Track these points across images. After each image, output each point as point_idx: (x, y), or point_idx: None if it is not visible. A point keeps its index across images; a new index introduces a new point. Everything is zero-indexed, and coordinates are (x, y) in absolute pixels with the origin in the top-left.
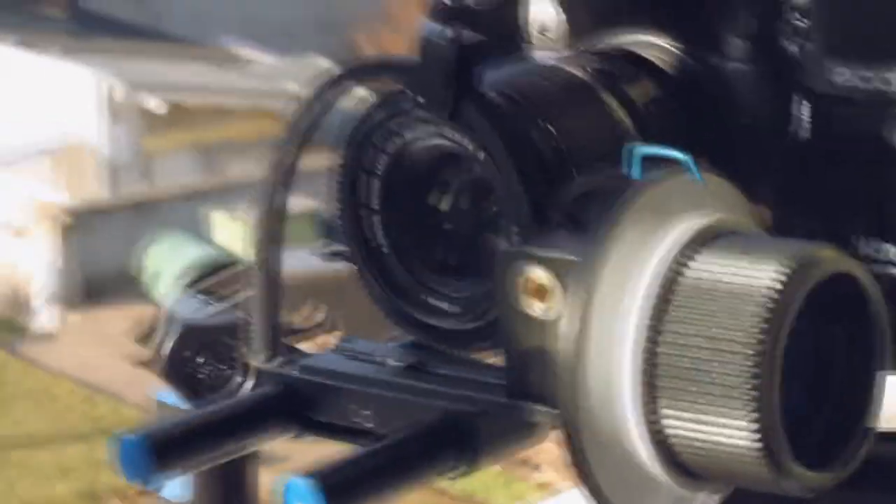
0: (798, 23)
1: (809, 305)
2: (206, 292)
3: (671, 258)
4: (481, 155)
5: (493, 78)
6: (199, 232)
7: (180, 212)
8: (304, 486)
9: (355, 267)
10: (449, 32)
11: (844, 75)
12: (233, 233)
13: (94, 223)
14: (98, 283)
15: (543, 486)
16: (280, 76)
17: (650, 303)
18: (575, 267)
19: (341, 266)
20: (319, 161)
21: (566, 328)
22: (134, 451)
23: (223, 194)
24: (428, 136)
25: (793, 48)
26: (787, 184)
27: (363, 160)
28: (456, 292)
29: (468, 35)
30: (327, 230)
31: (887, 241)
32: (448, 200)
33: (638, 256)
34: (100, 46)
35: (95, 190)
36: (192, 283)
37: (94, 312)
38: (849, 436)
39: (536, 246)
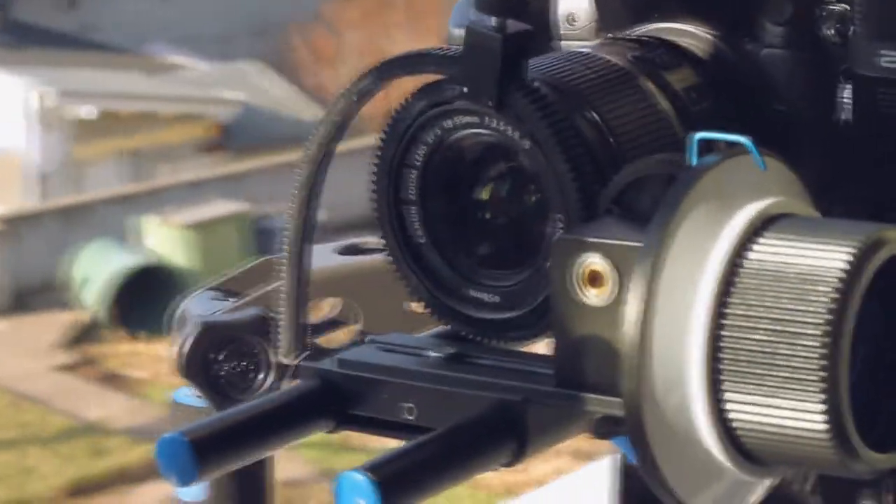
0: (836, 7)
1: (874, 287)
2: (219, 289)
3: (734, 242)
4: (527, 144)
5: (537, 67)
6: (128, 238)
7: (110, 218)
8: (358, 480)
9: (391, 260)
10: (495, 21)
11: (892, 58)
12: (163, 238)
13: (22, 231)
14: (26, 290)
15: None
16: (212, 82)
17: (715, 287)
18: (636, 253)
19: (361, 260)
20: (252, 164)
21: (629, 315)
22: (176, 451)
23: (153, 200)
24: (469, 127)
25: (832, 33)
26: (830, 169)
27: (400, 151)
28: (496, 282)
29: (514, 24)
30: (259, 232)
31: None
32: (488, 191)
33: (701, 241)
34: (31, 56)
35: (25, 198)
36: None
37: (21, 320)
38: None
39: (591, 233)
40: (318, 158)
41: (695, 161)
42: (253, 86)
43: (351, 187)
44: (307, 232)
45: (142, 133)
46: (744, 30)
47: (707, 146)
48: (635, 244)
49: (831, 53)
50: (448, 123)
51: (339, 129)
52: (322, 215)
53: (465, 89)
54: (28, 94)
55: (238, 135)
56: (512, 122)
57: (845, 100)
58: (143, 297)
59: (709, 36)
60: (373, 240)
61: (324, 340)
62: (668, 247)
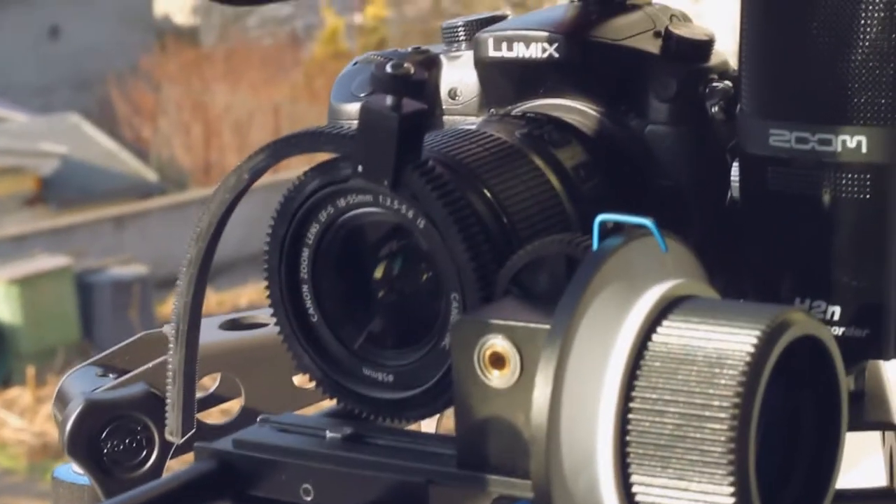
0: (720, 84)
1: (779, 367)
2: (101, 364)
3: (640, 325)
4: (422, 223)
5: (428, 145)
6: None
7: None
8: None
9: (283, 338)
10: (391, 101)
11: (782, 136)
12: None
13: None
14: None
15: None
16: (34, 134)
17: (622, 370)
18: (541, 335)
19: (243, 335)
20: (74, 218)
21: (538, 397)
22: None
23: None
24: (363, 206)
25: (717, 110)
26: (718, 245)
27: (293, 229)
28: (390, 361)
29: (410, 103)
30: (83, 287)
31: (824, 300)
32: (381, 269)
33: (607, 324)
34: None
35: None
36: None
37: None
38: (819, 497)
39: (493, 315)
40: (208, 235)
41: (597, 244)
42: (73, 138)
43: (177, 242)
44: (196, 309)
45: None
46: (629, 106)
47: (608, 227)
48: (541, 326)
49: (717, 130)
50: (342, 202)
51: (230, 206)
52: (144, 269)
53: (361, 168)
54: None
55: (59, 188)
56: (407, 201)
57: (733, 177)
58: None
59: (595, 112)
60: (255, 314)
61: (203, 416)
62: (575, 329)
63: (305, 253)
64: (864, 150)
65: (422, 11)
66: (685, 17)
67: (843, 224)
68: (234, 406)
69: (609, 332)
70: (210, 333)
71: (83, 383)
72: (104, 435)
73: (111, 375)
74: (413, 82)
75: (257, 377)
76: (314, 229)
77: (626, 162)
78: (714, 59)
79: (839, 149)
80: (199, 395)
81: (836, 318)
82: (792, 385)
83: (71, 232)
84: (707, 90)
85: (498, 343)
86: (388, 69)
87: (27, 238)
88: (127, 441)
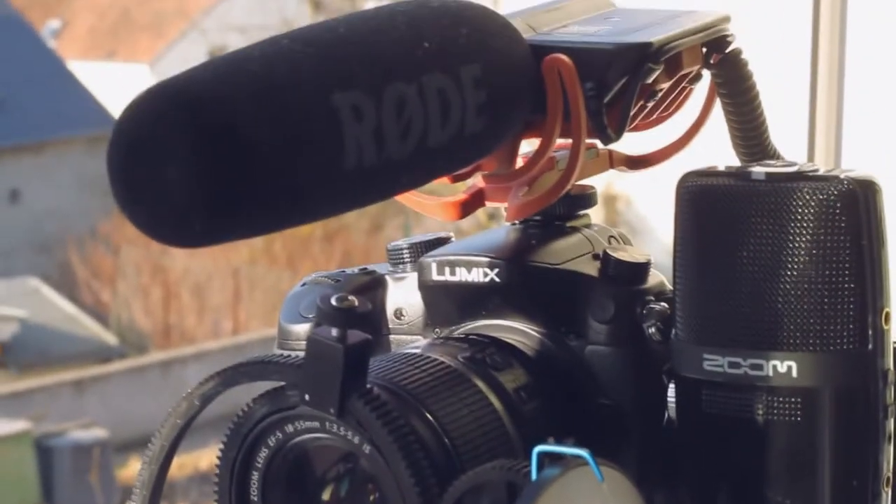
0: (657, 306)
1: None
2: None
3: None
4: (367, 449)
5: (373, 371)
6: None
7: None
8: None
9: None
10: (336, 332)
11: (715, 361)
12: None
13: None
14: None
15: None
16: None
17: None
18: None
19: None
20: (33, 382)
21: None
22: None
23: None
24: (310, 431)
25: (654, 331)
26: (651, 461)
27: (243, 453)
28: None
29: (355, 335)
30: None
31: None
32: (329, 491)
33: None
34: None
35: None
36: None
37: None
38: None
39: None
40: (160, 458)
41: (535, 474)
42: (32, 302)
43: (138, 406)
44: None
45: None
46: (569, 327)
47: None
48: None
49: (654, 351)
50: (290, 428)
51: (181, 430)
52: (104, 433)
53: (308, 397)
54: None
55: (18, 352)
56: (353, 427)
57: (670, 398)
58: None
59: (537, 334)
60: None
61: None
62: None
63: (255, 476)
64: (794, 374)
65: None
66: (624, 238)
67: (776, 445)
68: None
69: None
70: None
71: None
72: None
73: None
74: (357, 315)
75: None
76: (264, 453)
77: (567, 382)
78: (651, 281)
79: (770, 373)
80: None
81: None
82: None
83: (30, 396)
84: (644, 311)
85: None
86: (334, 302)
87: None
88: None
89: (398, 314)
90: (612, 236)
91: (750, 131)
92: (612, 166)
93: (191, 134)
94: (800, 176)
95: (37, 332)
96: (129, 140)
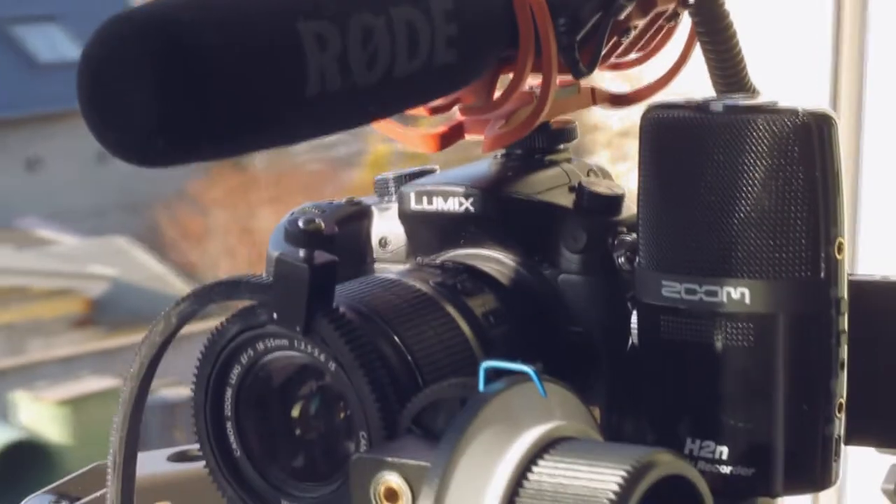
0: (627, 237)
1: None
2: (56, 492)
3: (516, 464)
4: (333, 366)
5: (345, 293)
6: (1, 413)
7: None
8: None
9: (209, 470)
10: (303, 253)
11: (673, 288)
12: (36, 413)
13: None
14: None
15: None
16: (83, 257)
17: None
18: (425, 472)
19: (189, 467)
20: (123, 340)
21: None
22: None
23: (26, 375)
24: (280, 349)
25: (623, 261)
26: (618, 388)
27: (217, 370)
28: (306, 493)
29: (321, 255)
30: None
31: (713, 441)
32: (299, 408)
33: (486, 463)
34: None
35: None
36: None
37: None
38: None
39: (389, 453)
40: (140, 375)
41: (482, 387)
42: (122, 261)
43: None
44: (131, 444)
45: (12, 308)
46: (543, 256)
47: (498, 373)
48: (423, 464)
49: (624, 281)
50: (260, 346)
51: (160, 348)
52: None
53: (276, 315)
54: None
55: (108, 310)
56: (319, 345)
57: (633, 325)
58: (15, 474)
59: (511, 262)
60: None
61: None
62: (454, 467)
63: (229, 392)
64: (747, 300)
65: None
66: (604, 171)
67: (730, 370)
68: None
69: (487, 471)
70: (159, 465)
71: None
72: None
73: (64, 503)
74: (324, 237)
75: None
76: (236, 370)
77: (538, 309)
78: (625, 213)
79: (724, 299)
80: None
81: (725, 457)
82: None
83: (120, 353)
84: (616, 242)
85: (392, 479)
86: (301, 224)
87: (77, 359)
88: None
89: (382, 243)
90: (591, 170)
91: (728, 69)
92: (594, 103)
93: (152, 53)
94: (757, 109)
95: (126, 290)
96: (95, 63)
